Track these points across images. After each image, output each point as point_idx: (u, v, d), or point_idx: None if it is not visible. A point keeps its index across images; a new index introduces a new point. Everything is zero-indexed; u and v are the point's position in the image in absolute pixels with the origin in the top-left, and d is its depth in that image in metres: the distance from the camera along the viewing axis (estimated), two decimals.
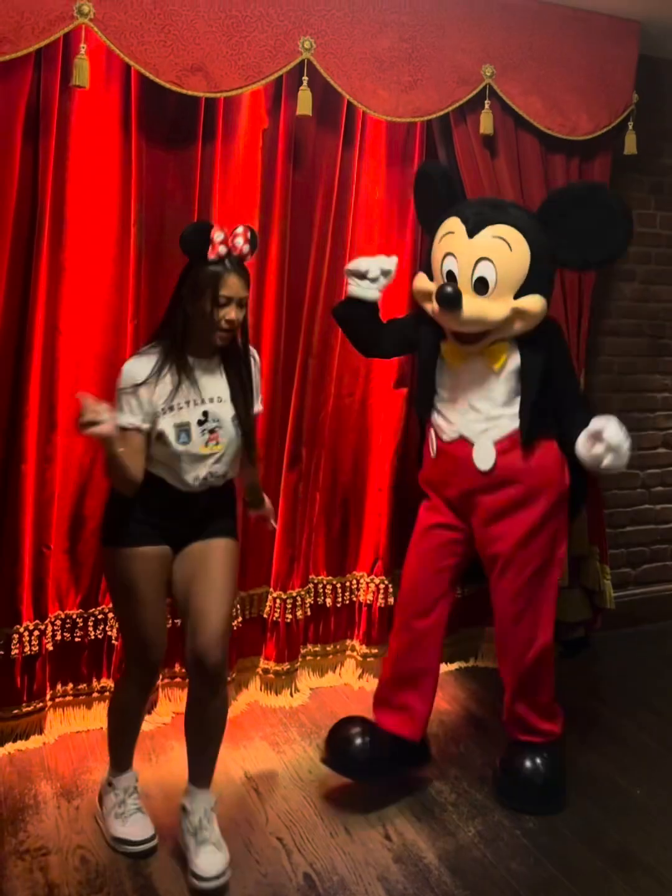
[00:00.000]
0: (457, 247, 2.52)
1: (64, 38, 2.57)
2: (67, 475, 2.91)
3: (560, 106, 3.27)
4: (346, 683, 3.40)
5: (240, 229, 2.25)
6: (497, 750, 2.85)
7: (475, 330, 2.52)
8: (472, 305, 2.46)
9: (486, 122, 3.14)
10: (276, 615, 3.21)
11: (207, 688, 2.30)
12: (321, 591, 3.37)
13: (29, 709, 2.84)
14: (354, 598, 3.43)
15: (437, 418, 2.68)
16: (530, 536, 2.58)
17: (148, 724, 2.96)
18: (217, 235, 2.20)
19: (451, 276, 2.53)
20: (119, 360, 2.88)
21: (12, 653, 2.79)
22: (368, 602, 3.40)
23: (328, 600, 3.37)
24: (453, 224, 2.56)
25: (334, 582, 3.38)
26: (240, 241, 2.23)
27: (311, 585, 3.33)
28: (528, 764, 2.63)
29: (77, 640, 2.97)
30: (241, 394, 2.35)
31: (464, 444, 2.60)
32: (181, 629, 2.42)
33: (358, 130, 3.15)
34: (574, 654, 3.66)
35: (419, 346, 2.71)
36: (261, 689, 3.25)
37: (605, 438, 2.40)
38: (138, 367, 2.26)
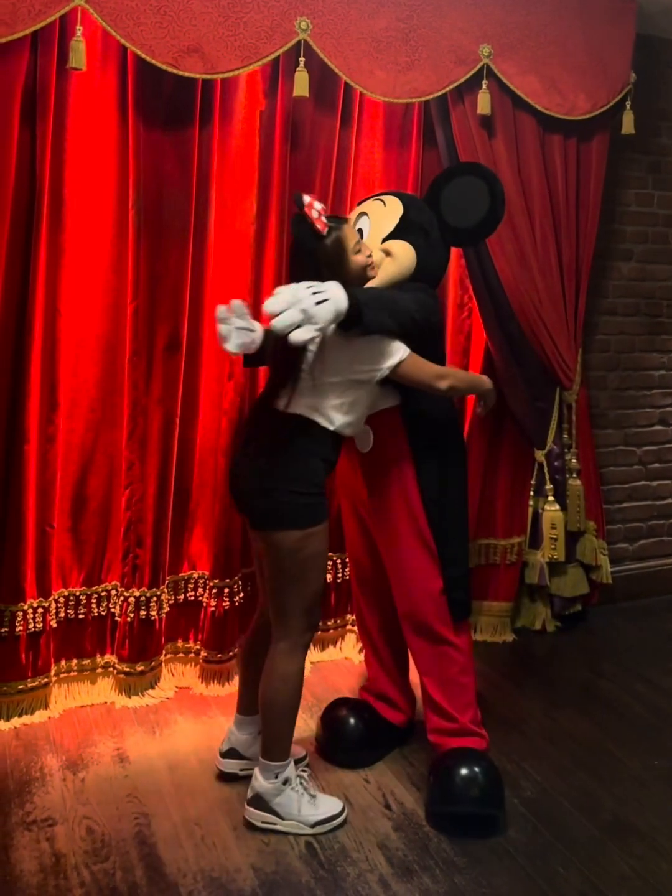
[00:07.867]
0: (353, 215, 2.65)
1: (60, 20, 2.59)
2: (69, 455, 2.94)
3: (558, 85, 3.27)
4: (347, 657, 3.45)
5: (307, 200, 2.27)
6: (497, 718, 2.91)
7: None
8: None
9: (483, 103, 3.14)
10: None
11: None
12: None
13: (34, 684, 2.88)
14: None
15: None
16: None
17: (151, 698, 3.02)
18: (314, 212, 2.25)
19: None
20: (119, 341, 2.93)
21: (17, 630, 2.84)
22: None
23: (328, 577, 3.41)
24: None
25: (334, 558, 3.40)
26: (318, 205, 2.29)
27: None
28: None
29: (80, 616, 3.02)
30: None
31: None
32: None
33: (355, 112, 3.16)
34: (571, 628, 3.71)
35: None
36: None
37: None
38: None
